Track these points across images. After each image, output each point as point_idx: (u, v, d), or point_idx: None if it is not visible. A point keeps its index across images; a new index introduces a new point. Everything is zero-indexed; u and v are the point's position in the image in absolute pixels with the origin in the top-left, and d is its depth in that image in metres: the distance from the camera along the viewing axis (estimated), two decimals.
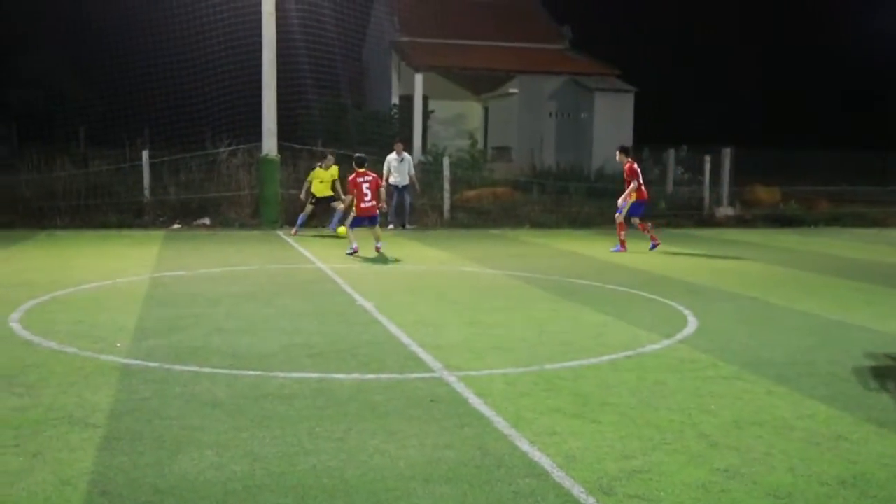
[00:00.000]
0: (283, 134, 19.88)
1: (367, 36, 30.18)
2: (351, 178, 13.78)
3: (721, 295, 10.27)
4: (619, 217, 15.15)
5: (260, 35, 18.62)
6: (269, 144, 18.80)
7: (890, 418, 5.26)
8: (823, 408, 5.51)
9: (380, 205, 14.05)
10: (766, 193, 24.39)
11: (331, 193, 17.32)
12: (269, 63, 18.52)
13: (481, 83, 30.58)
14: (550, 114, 30.60)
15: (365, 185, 13.52)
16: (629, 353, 7.01)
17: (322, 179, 17.24)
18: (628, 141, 27.95)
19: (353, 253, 13.63)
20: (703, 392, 5.87)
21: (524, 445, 4.69)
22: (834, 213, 22.95)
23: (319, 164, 17.62)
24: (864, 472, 4.35)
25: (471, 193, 21.80)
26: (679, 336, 7.72)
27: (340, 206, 16.68)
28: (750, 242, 17.35)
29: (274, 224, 18.45)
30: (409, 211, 19.07)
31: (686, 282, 11.32)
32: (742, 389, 5.95)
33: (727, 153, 22.91)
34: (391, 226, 18.42)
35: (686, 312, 8.90)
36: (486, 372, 6.32)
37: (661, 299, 9.77)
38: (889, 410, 5.45)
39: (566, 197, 22.67)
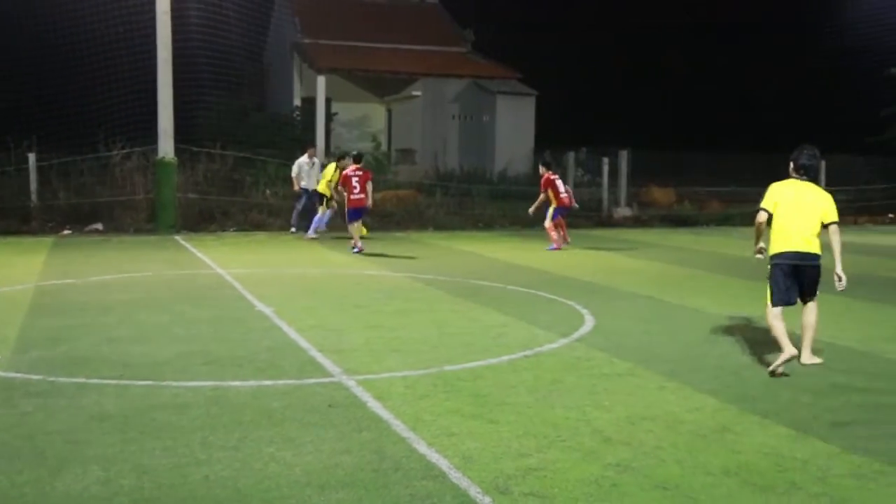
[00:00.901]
0: (181, 136, 19.38)
1: (267, 37, 29.76)
2: (344, 172, 14.73)
3: (618, 294, 10.52)
4: (547, 223, 15.71)
5: (155, 34, 18.12)
6: (166, 146, 18.30)
7: (771, 409, 5.48)
8: (711, 401, 5.70)
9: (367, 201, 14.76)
10: (661, 194, 25.15)
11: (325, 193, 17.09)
12: (164, 62, 18.04)
13: (384, 85, 30.54)
14: (453, 116, 30.81)
15: (355, 179, 14.43)
16: (528, 352, 7.10)
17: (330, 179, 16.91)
18: (529, 143, 28.45)
19: (358, 252, 14.33)
20: (599, 389, 5.99)
21: (422, 448, 4.69)
22: (725, 213, 23.85)
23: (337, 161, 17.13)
24: (746, 461, 4.52)
25: (374, 196, 21.68)
26: (576, 335, 7.86)
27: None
28: (646, 242, 17.84)
29: (171, 229, 17.96)
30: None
31: (585, 281, 11.55)
32: (635, 385, 6.11)
33: (624, 155, 23.53)
34: (293, 230, 18.19)
35: (584, 312, 9.08)
36: (385, 375, 6.30)
37: (561, 299, 9.94)
38: (771, 402, 5.68)
39: (469, 199, 22.87)
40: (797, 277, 6.71)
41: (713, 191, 25.95)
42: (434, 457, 4.55)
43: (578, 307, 9.36)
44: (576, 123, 35.19)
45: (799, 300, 6.81)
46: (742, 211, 23.95)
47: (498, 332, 8.01)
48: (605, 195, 23.35)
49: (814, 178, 6.99)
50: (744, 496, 4.06)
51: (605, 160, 23.40)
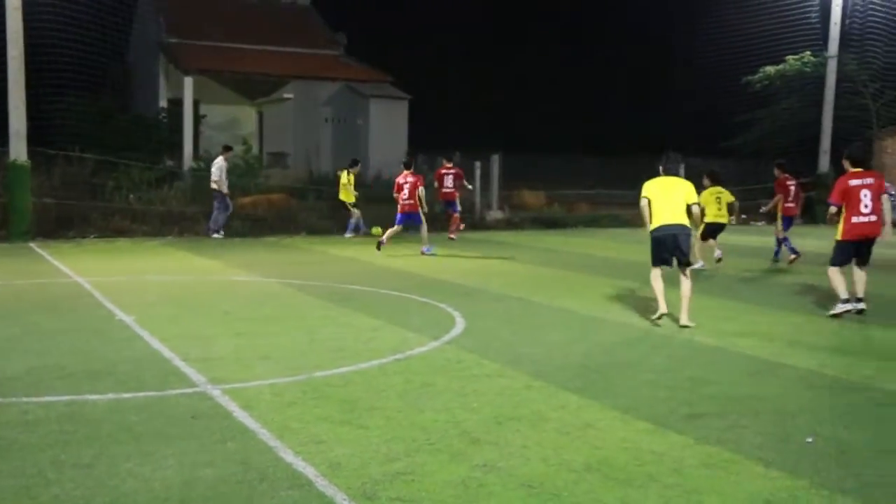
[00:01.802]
0: (36, 138, 18.40)
1: (131, 35, 28.67)
2: (398, 178, 15.55)
3: (489, 296, 10.67)
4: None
5: (5, 30, 17.14)
6: (18, 149, 17.32)
7: (632, 405, 5.67)
8: (575, 398, 5.85)
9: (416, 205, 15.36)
10: (532, 197, 25.73)
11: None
12: (14, 60, 17.08)
13: (255, 88, 29.96)
14: (326, 119, 30.56)
15: (406, 185, 15.26)
16: (398, 356, 7.10)
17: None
18: (402, 147, 28.50)
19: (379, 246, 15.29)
20: (468, 390, 6.05)
21: (288, 456, 4.61)
22: (592, 215, 24.62)
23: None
24: (607, 456, 4.66)
25: (245, 200, 21.26)
26: (447, 337, 7.92)
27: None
28: (517, 244, 18.20)
29: (25, 236, 17.01)
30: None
31: (457, 284, 11.66)
32: (503, 386, 6.20)
33: (496, 159, 23.92)
34: (220, 234, 18.49)
35: (455, 314, 9.16)
36: (253, 383, 6.16)
37: (433, 302, 9.99)
38: (631, 398, 5.88)
39: (343, 203, 22.67)
40: (670, 244, 8.62)
41: (581, 193, 26.77)
42: (301, 465, 4.47)
43: (450, 309, 9.43)
44: (449, 127, 35.57)
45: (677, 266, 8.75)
46: (609, 213, 24.85)
47: (369, 336, 7.97)
48: (478, 198, 23.67)
49: (676, 174, 9.07)
50: (604, 490, 4.18)
51: (478, 164, 23.72)
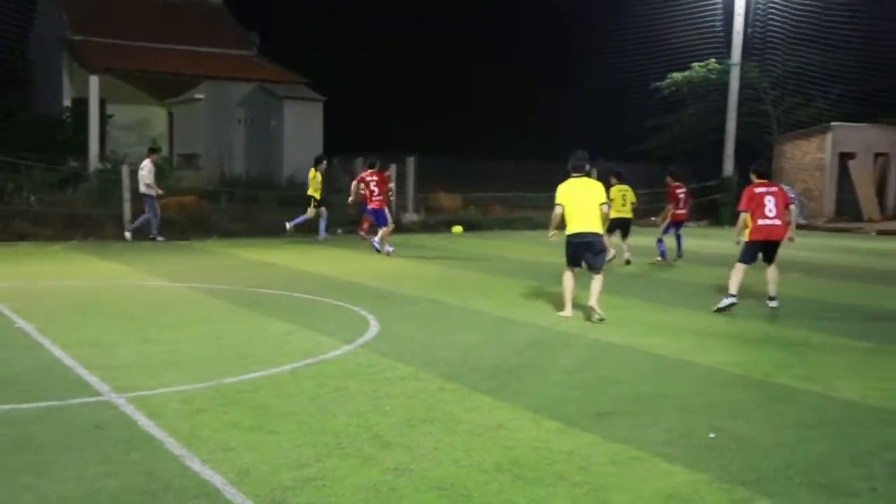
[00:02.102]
0: None
1: (31, 32, 27.63)
2: (361, 176, 16.19)
3: (403, 298, 10.67)
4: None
5: None
6: None
7: (543, 405, 5.75)
8: (488, 400, 5.90)
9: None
10: (448, 200, 25.83)
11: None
12: None
13: (165, 87, 29.21)
14: (239, 121, 30.01)
15: (372, 183, 15.90)
16: (311, 360, 7.03)
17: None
18: (318, 149, 28.23)
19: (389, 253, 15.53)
20: (380, 394, 6.04)
21: (196, 465, 4.51)
22: (507, 217, 24.87)
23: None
24: (518, 456, 4.71)
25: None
26: (361, 340, 7.89)
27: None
28: (433, 247, 18.24)
29: None
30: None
31: (371, 287, 11.62)
32: (416, 388, 6.20)
33: (411, 162, 23.94)
34: (161, 238, 18.20)
35: (369, 317, 9.13)
36: (160, 391, 6.01)
37: (347, 305, 9.93)
38: (542, 398, 5.96)
39: (256, 206, 22.38)
40: (584, 249, 9.18)
41: (497, 196, 27.00)
42: (208, 473, 4.39)
43: (364, 313, 9.40)
44: (365, 130, 35.44)
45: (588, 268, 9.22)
46: (524, 215, 25.15)
47: (281, 340, 7.87)
48: (394, 201, 23.62)
49: (588, 174, 9.53)
50: (514, 490, 4.23)
51: (393, 166, 23.69)
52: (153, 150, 19.32)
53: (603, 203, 9.22)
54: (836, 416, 5.61)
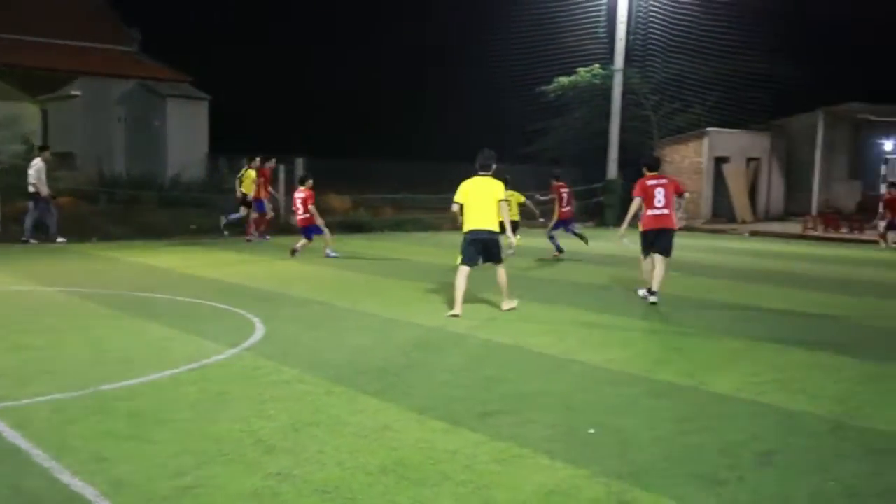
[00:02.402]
0: None
1: None
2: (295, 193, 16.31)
3: (291, 301, 10.51)
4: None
5: None
6: None
7: (429, 405, 5.77)
8: (374, 402, 5.87)
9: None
10: (338, 201, 25.61)
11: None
12: None
13: (37, 83, 27.91)
14: (119, 119, 29.00)
15: (298, 200, 16.07)
16: (193, 365, 6.84)
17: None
18: (203, 149, 27.60)
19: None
20: (265, 398, 5.92)
21: (65, 477, 4.31)
22: (397, 218, 24.87)
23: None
24: (403, 457, 4.71)
25: (28, 204, 19.72)
26: (246, 344, 7.73)
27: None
28: (322, 249, 18.03)
29: None
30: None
31: (258, 289, 11.40)
32: (302, 392, 6.12)
33: (300, 163, 23.61)
34: (33, 241, 17.45)
35: (255, 320, 8.95)
36: (29, 401, 5.72)
37: (232, 308, 9.72)
38: (429, 398, 5.98)
39: (138, 207, 21.65)
40: (480, 247, 9.57)
41: (387, 197, 26.96)
42: (79, 486, 4.20)
43: (250, 316, 9.21)
44: (252, 130, 34.78)
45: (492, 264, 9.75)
46: (414, 217, 25.20)
47: (162, 346, 7.63)
48: (283, 202, 23.28)
49: (490, 170, 9.78)
50: (399, 491, 4.22)
51: (282, 167, 23.34)
52: (42, 148, 18.69)
53: (501, 200, 9.61)
54: (710, 409, 5.83)
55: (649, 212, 10.54)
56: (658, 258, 10.51)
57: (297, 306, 10.09)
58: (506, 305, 9.81)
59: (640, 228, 10.69)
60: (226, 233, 20.85)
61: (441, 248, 18.62)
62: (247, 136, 30.76)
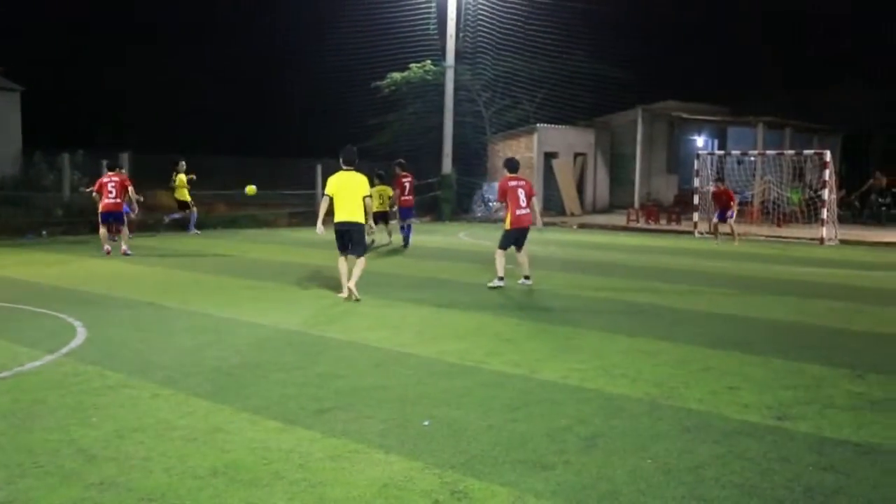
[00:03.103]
0: None
1: None
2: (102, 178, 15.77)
3: (116, 302, 10.04)
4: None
5: None
6: None
7: (263, 405, 5.68)
8: (205, 404, 5.71)
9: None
10: (167, 199, 24.61)
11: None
12: None
13: None
14: None
15: (110, 185, 15.78)
16: (5, 374, 6.42)
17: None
18: (16, 143, 25.81)
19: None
20: (87, 405, 5.64)
21: None
22: (231, 216, 24.22)
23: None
24: (235, 459, 4.61)
25: None
26: (65, 349, 7.32)
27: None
28: (151, 247, 17.34)
29: None
30: None
31: (80, 291, 10.82)
32: (127, 397, 5.87)
33: (125, 158, 22.54)
34: None
35: (76, 324, 8.49)
36: None
37: (51, 312, 9.17)
38: (262, 398, 5.88)
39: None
40: (346, 238, 10.41)
41: (220, 194, 26.20)
42: None
43: (71, 319, 8.73)
44: (72, 123, 32.90)
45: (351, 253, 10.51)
46: (248, 213, 24.63)
47: None
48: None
49: (355, 164, 10.57)
50: (230, 493, 4.13)
51: (105, 163, 22.18)
52: None
53: (366, 196, 10.42)
54: (539, 396, 6.05)
55: (518, 211, 11.47)
56: (522, 252, 11.76)
57: (122, 308, 9.65)
58: (353, 287, 10.30)
59: (507, 227, 11.57)
60: (44, 232, 19.68)
61: (276, 245, 18.32)
62: (66, 131, 29.10)
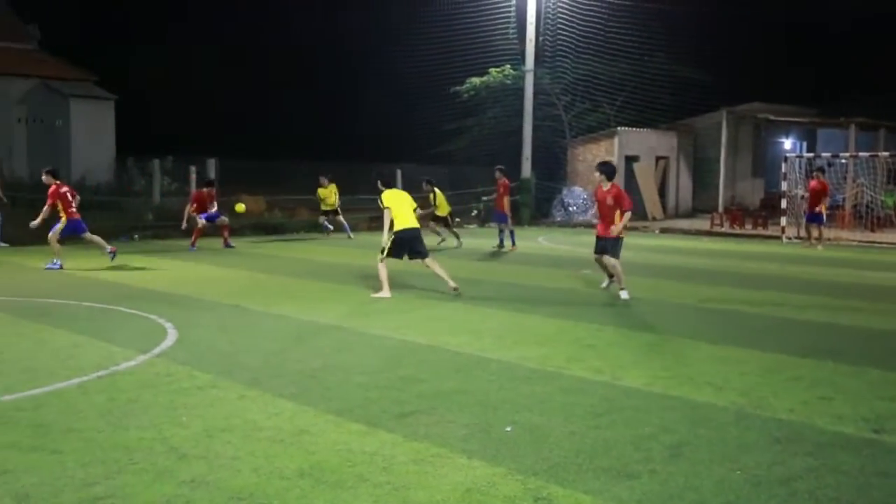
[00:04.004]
0: None
1: None
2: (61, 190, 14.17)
3: (203, 304, 10.31)
4: (52, 236, 14.02)
5: None
6: None
7: (346, 407, 5.74)
8: (290, 405, 5.81)
9: None
10: (252, 203, 25.20)
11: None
12: None
13: None
14: (20, 119, 27.90)
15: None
16: (102, 373, 6.65)
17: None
18: (110, 150, 26.81)
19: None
20: (177, 404, 5.80)
21: None
22: (312, 220, 24.61)
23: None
24: (320, 461, 4.67)
25: None
26: (157, 350, 7.55)
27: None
28: (235, 251, 17.77)
29: None
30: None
31: (169, 293, 11.15)
32: (216, 397, 6.01)
33: (212, 163, 23.20)
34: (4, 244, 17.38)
35: (167, 325, 8.75)
36: None
37: (142, 313, 9.48)
38: (345, 400, 5.95)
39: (40, 210, 20.87)
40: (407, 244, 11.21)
41: (302, 199, 26.70)
42: None
43: (161, 321, 9.00)
44: (162, 130, 33.95)
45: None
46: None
47: (69, 353, 7.39)
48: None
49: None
50: (316, 495, 4.19)
51: (193, 168, 22.88)
52: None
53: (415, 208, 11.38)
54: (622, 403, 5.96)
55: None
56: (609, 259, 11.31)
57: (209, 310, 9.91)
58: (451, 285, 11.12)
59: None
60: (136, 236, 20.36)
61: (356, 249, 18.54)
62: (158, 138, 30.03)
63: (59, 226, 14.00)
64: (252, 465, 4.61)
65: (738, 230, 24.79)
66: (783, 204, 22.67)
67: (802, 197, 21.02)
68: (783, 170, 23.19)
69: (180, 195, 23.86)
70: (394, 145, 30.66)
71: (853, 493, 4.27)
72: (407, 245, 11.18)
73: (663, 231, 25.55)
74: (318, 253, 17.62)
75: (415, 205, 11.45)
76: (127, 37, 39.47)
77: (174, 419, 5.45)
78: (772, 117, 30.02)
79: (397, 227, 11.07)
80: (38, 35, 28.61)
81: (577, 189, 29.43)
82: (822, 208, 19.54)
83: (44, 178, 14.46)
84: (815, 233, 19.90)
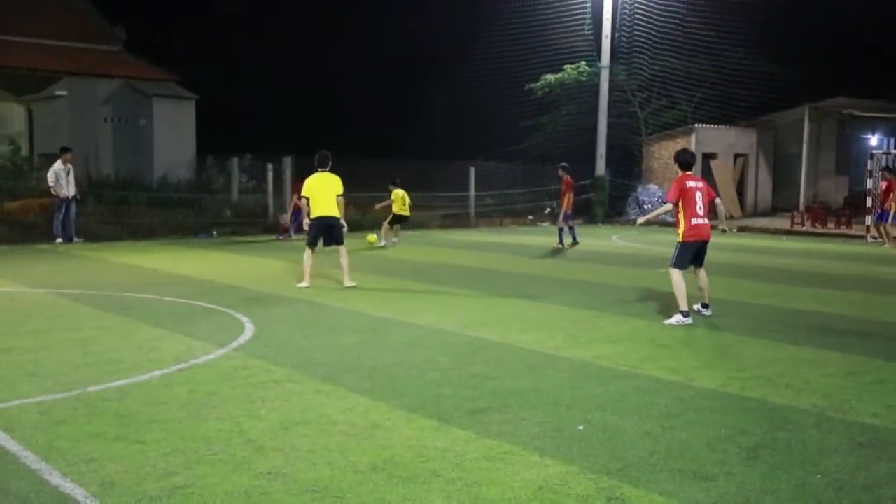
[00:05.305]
0: None
1: None
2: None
3: (279, 300, 10.51)
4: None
5: None
6: None
7: (418, 403, 5.78)
8: (364, 400, 5.88)
9: None
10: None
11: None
12: None
13: (23, 83, 27.77)
14: (106, 119, 28.86)
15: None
16: (182, 366, 6.84)
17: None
18: (191, 149, 27.52)
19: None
20: (254, 398, 5.93)
21: (55, 479, 4.31)
22: (385, 218, 24.81)
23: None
24: (392, 455, 4.72)
25: (14, 205, 19.70)
26: (234, 344, 7.72)
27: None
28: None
29: None
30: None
31: (246, 289, 11.39)
32: (291, 391, 6.12)
33: (288, 162, 23.60)
34: (59, 240, 17.79)
35: (244, 320, 8.95)
36: (15, 403, 5.70)
37: (221, 308, 9.71)
38: (418, 396, 5.99)
39: (126, 207, 21.60)
40: (325, 230, 11.62)
41: (376, 196, 26.96)
42: (69, 487, 4.19)
43: (238, 315, 9.21)
44: (240, 129, 34.68)
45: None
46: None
47: (151, 346, 7.62)
48: (271, 201, 23.26)
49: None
50: (389, 489, 4.23)
51: (270, 166, 23.32)
52: (64, 150, 18.72)
53: (339, 195, 11.53)
54: (697, 404, 5.86)
55: (693, 220, 9.05)
56: (701, 270, 9.45)
57: (286, 305, 10.09)
58: (346, 283, 11.59)
59: (681, 239, 9.14)
60: (214, 233, 20.85)
61: (429, 247, 18.64)
62: (235, 135, 30.70)
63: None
64: (327, 458, 4.68)
65: (819, 229, 24.08)
66: (868, 202, 21.92)
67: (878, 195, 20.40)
68: (868, 167, 22.43)
69: (258, 192, 24.35)
70: (468, 143, 30.68)
71: None
72: (322, 232, 11.59)
73: (741, 229, 24.99)
74: (391, 250, 17.75)
75: (339, 191, 11.56)
76: (207, 38, 40.40)
77: (251, 412, 5.57)
78: (857, 112, 29.04)
79: (314, 214, 11.47)
80: (123, 36, 29.54)
81: (653, 187, 29.01)
82: (893, 206, 19.22)
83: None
84: (893, 232, 19.39)
